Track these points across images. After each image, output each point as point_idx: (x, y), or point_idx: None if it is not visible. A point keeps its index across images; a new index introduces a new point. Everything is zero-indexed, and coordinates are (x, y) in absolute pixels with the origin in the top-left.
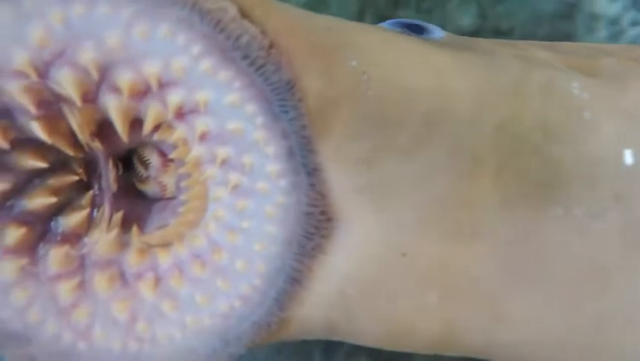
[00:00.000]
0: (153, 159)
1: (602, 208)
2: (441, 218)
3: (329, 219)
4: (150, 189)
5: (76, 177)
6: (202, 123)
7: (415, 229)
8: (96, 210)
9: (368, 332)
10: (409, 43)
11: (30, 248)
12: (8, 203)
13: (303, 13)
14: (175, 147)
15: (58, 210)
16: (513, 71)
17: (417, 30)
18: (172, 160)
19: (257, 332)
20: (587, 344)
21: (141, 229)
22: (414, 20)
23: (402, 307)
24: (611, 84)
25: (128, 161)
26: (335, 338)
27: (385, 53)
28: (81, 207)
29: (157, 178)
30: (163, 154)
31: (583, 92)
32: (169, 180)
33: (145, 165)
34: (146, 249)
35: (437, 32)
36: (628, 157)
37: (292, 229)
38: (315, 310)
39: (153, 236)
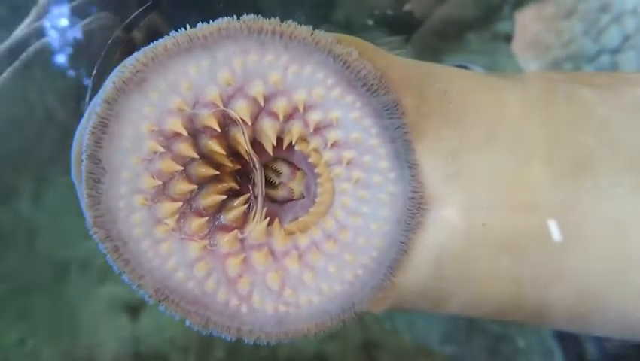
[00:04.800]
0: (284, 170)
1: (620, 178)
2: (508, 194)
3: (426, 202)
4: (278, 193)
5: (231, 185)
6: (333, 135)
7: (490, 204)
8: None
9: (455, 297)
10: (468, 72)
11: (207, 234)
12: (191, 201)
13: (397, 56)
14: (306, 157)
15: (218, 209)
16: (541, 86)
17: (464, 68)
18: (299, 169)
19: (375, 295)
20: (615, 286)
21: (280, 222)
22: (462, 62)
23: (481, 269)
24: (610, 90)
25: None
26: (427, 306)
27: (456, 78)
28: (236, 206)
29: (287, 184)
30: (292, 165)
31: (593, 96)
32: (296, 185)
33: (277, 174)
34: (288, 234)
35: (478, 69)
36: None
37: (400, 211)
38: (416, 278)
39: (291, 225)
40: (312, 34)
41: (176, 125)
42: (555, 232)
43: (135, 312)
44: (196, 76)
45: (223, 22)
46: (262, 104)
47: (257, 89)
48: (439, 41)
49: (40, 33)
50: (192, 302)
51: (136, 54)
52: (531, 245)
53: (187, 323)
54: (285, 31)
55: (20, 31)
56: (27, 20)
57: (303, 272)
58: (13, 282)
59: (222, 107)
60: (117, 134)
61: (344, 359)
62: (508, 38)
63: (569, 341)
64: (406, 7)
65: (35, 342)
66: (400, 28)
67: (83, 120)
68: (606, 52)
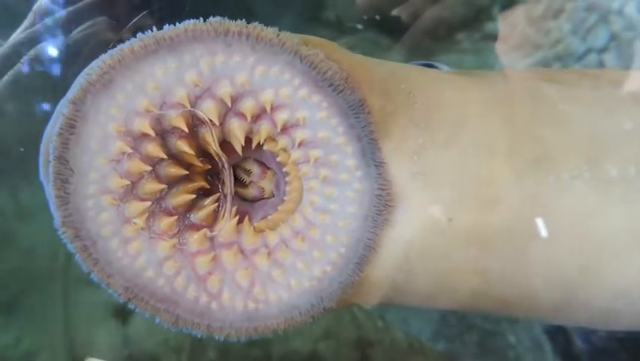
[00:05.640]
0: (255, 169)
1: (580, 171)
2: (472, 190)
3: (394, 200)
4: (249, 192)
5: (201, 184)
6: (301, 134)
7: (455, 200)
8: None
9: (423, 291)
10: (433, 72)
11: (176, 233)
12: (161, 200)
13: (363, 56)
14: (274, 156)
15: (189, 208)
16: (504, 84)
17: (432, 67)
18: (269, 168)
19: (344, 291)
20: (584, 277)
21: (250, 220)
22: (429, 62)
23: (449, 263)
24: (571, 86)
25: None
26: (396, 301)
27: (421, 78)
28: (206, 206)
29: (257, 183)
30: (262, 164)
31: (554, 92)
32: (266, 184)
33: (248, 174)
34: (257, 232)
35: (445, 67)
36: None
37: (367, 208)
38: (384, 272)
39: (261, 223)
40: (279, 35)
41: (144, 125)
42: (519, 226)
43: (127, 314)
44: (163, 77)
45: (189, 23)
46: (229, 104)
47: (224, 90)
48: (430, 41)
49: (36, 39)
50: (162, 300)
51: (103, 56)
52: (497, 239)
53: (157, 320)
54: (252, 33)
55: (16, 36)
56: (22, 26)
57: (272, 269)
58: (6, 284)
59: (190, 107)
60: (84, 135)
61: (338, 357)
62: (497, 38)
63: (558, 335)
64: (394, 12)
65: (29, 345)
66: (390, 30)
67: (51, 121)
68: (593, 51)
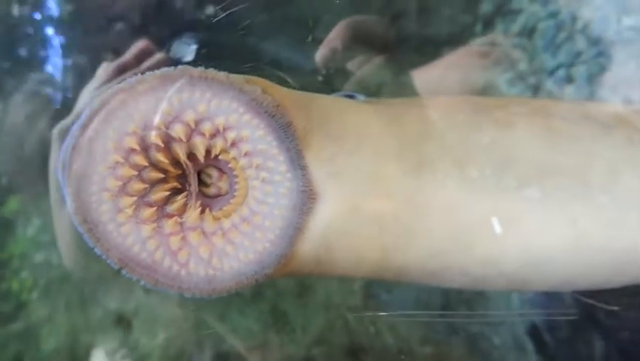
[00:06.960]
0: (213, 173)
1: (450, 172)
2: (372, 185)
3: (315, 193)
4: (210, 190)
5: (174, 185)
6: (245, 147)
7: (360, 193)
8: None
9: (340, 262)
10: (345, 100)
11: (156, 219)
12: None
13: (290, 90)
14: (227, 163)
15: (165, 202)
16: (397, 108)
17: (350, 97)
18: (224, 173)
19: (279, 261)
20: (455, 252)
21: (210, 210)
22: (348, 92)
23: (357, 240)
24: (446, 111)
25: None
26: (320, 271)
27: (334, 105)
28: (177, 200)
29: (216, 184)
30: (219, 170)
31: (433, 115)
32: (222, 184)
33: (209, 177)
34: (215, 219)
35: (361, 97)
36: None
37: (295, 201)
38: (309, 248)
39: (218, 213)
40: (228, 77)
41: (132, 143)
42: (405, 212)
43: (128, 323)
44: (145, 108)
45: (165, 70)
46: (193, 127)
47: (189, 117)
48: (417, 57)
49: None
50: (145, 268)
51: (102, 93)
52: (390, 221)
53: (142, 282)
54: (208, 76)
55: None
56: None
57: (226, 246)
58: None
59: (165, 129)
60: (90, 150)
61: None
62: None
63: (539, 336)
64: (348, 66)
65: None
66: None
67: (67, 138)
68: (562, 66)
